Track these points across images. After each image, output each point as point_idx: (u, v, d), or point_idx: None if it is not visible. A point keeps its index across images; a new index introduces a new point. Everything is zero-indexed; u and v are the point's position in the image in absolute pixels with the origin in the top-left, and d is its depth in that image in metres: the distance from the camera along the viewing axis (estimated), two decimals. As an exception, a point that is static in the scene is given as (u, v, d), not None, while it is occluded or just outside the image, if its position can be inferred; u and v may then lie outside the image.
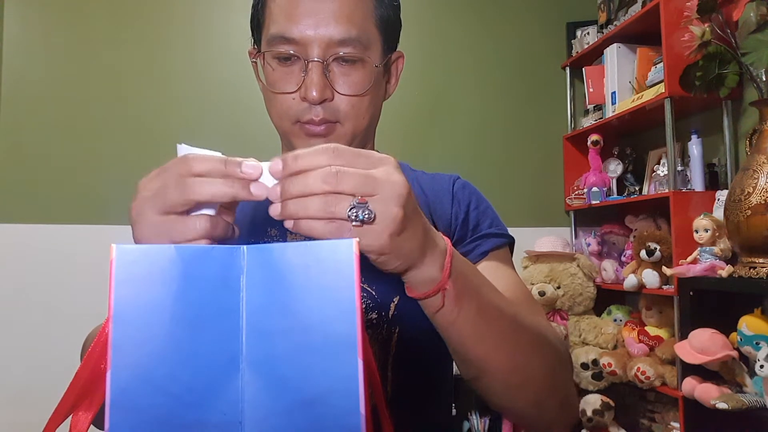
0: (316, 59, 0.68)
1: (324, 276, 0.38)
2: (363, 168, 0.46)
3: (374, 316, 0.71)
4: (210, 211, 0.46)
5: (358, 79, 0.70)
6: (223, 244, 0.41)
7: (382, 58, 0.73)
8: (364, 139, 0.77)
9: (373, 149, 0.83)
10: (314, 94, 0.67)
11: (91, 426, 0.44)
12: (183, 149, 0.47)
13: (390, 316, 0.71)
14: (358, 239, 0.38)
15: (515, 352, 0.59)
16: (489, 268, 0.74)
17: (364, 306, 0.70)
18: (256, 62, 0.76)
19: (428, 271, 0.51)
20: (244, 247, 0.39)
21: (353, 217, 0.44)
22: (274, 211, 0.46)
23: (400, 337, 0.71)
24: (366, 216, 0.45)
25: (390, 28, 0.75)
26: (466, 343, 0.56)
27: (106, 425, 0.35)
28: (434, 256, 0.51)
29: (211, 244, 0.45)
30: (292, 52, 0.69)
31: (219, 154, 0.46)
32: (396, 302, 0.71)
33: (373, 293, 0.72)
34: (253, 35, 0.77)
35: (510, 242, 0.80)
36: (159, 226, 0.45)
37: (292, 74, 0.70)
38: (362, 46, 0.69)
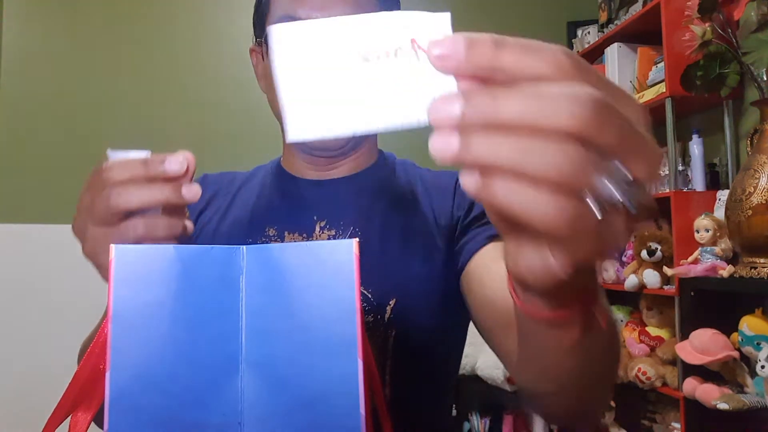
0: None
1: (324, 276, 0.37)
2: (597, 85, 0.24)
3: (370, 318, 0.70)
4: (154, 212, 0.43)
5: None
6: (184, 243, 0.40)
7: None
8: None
9: (376, 146, 0.83)
10: None
11: (92, 425, 0.44)
12: (113, 156, 0.45)
13: (386, 318, 0.70)
14: (358, 239, 0.38)
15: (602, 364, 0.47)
16: (497, 249, 0.70)
17: (360, 308, 0.69)
18: (256, 58, 0.74)
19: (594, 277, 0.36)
20: (244, 247, 0.39)
21: (606, 195, 0.23)
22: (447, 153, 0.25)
23: (397, 340, 0.70)
24: (629, 195, 0.23)
25: None
26: (592, 358, 0.42)
27: (106, 425, 0.35)
28: None
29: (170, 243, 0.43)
30: None
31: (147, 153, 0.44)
32: (392, 305, 0.70)
33: (369, 296, 0.70)
34: (255, 30, 0.76)
35: None
36: (99, 239, 0.44)
37: None
38: None
